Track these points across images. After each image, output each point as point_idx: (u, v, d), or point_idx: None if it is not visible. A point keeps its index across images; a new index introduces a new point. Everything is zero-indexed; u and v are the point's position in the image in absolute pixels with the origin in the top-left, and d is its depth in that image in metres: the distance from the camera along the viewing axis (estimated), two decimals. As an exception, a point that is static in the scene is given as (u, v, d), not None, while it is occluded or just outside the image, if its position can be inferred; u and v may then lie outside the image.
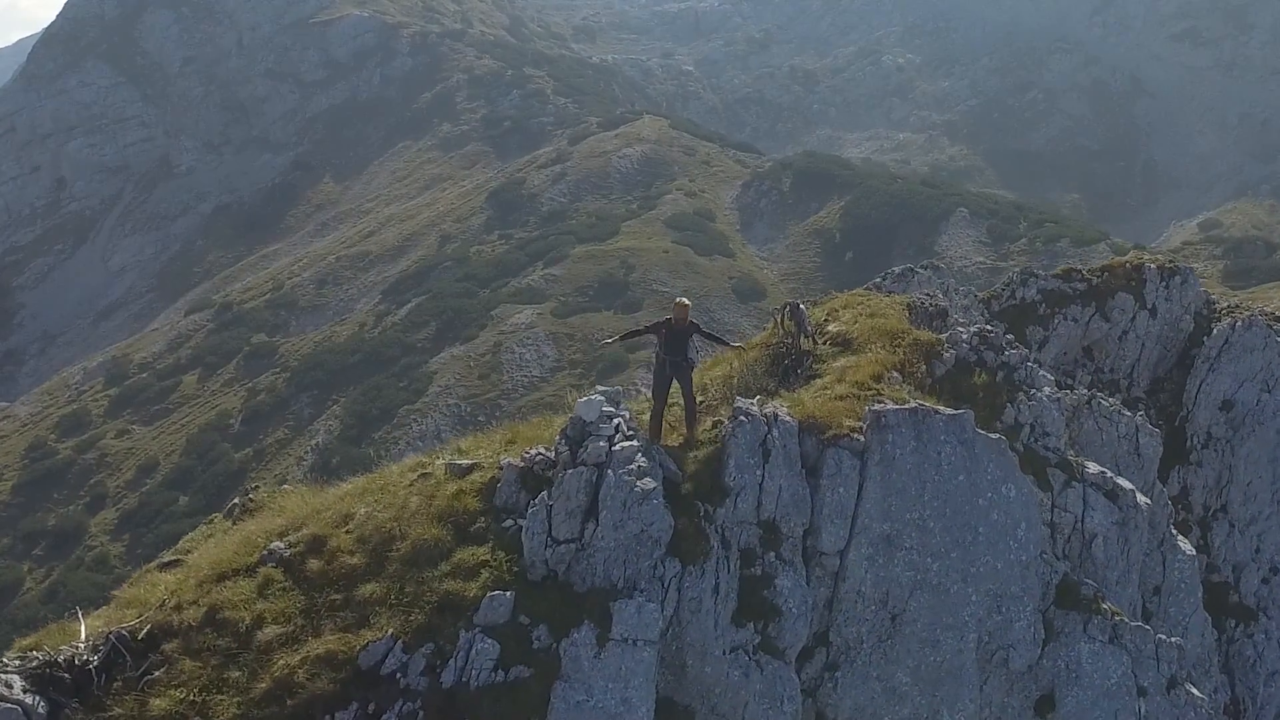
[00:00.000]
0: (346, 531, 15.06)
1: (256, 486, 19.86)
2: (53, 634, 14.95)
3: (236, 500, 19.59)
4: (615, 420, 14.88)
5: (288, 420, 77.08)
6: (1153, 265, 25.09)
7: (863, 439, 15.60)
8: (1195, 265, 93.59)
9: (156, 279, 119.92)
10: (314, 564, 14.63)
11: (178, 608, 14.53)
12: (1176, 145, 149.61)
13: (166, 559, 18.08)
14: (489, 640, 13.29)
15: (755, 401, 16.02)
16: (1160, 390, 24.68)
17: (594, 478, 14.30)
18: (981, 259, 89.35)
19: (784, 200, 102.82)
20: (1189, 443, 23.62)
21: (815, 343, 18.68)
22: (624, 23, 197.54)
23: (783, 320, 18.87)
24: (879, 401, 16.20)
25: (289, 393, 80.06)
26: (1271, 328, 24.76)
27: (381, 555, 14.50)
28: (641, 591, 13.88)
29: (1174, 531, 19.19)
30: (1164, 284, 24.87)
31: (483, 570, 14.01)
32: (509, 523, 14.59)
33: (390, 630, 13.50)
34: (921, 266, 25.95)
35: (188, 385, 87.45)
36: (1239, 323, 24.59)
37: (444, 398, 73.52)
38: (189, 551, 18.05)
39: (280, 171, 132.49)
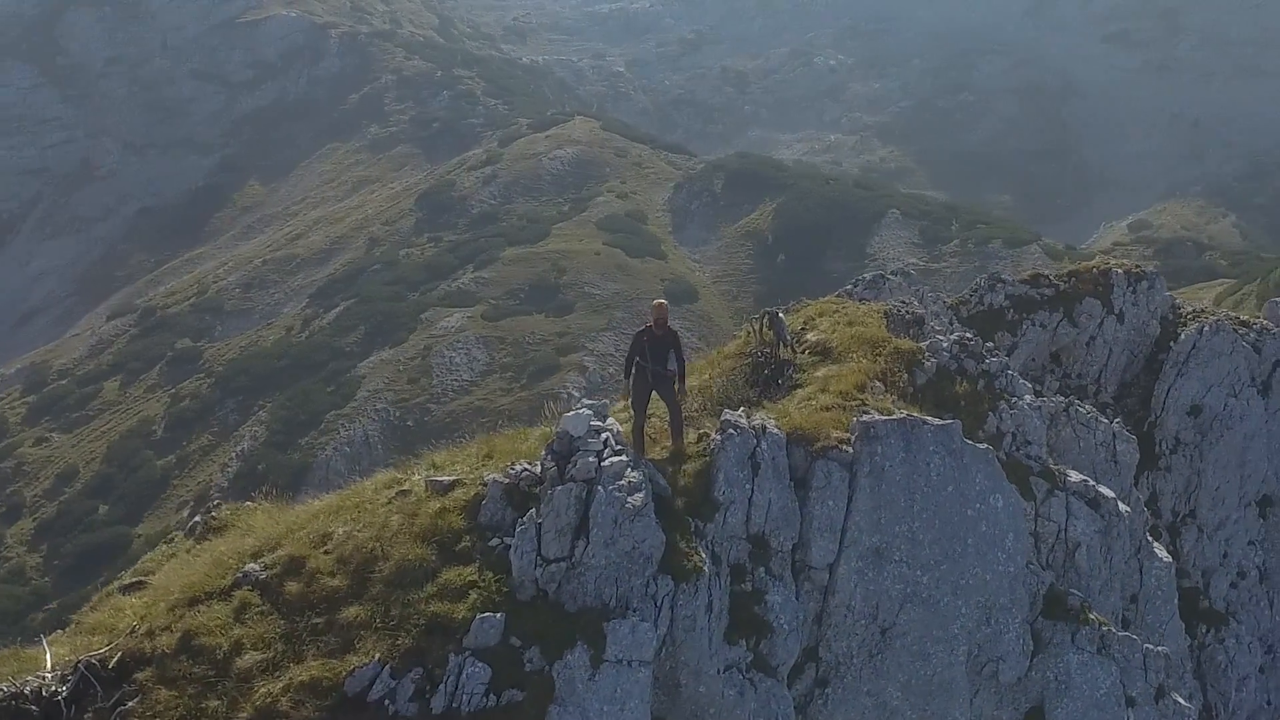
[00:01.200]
0: (325, 552, 14.88)
1: (218, 503, 19.57)
2: (9, 662, 14.66)
3: (198, 518, 19.28)
4: (604, 434, 14.84)
5: (212, 426, 76.29)
6: (1120, 270, 25.59)
7: (851, 450, 15.74)
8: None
9: (77, 283, 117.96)
10: (293, 586, 14.44)
11: (149, 634, 14.27)
12: (1108, 146, 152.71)
13: (128, 581, 17.77)
14: (480, 664, 13.22)
15: (741, 413, 16.10)
16: (1128, 395, 25.18)
17: (584, 494, 14.25)
18: (914, 260, 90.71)
19: (716, 202, 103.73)
20: (1158, 448, 24.11)
21: (795, 352, 18.82)
22: (555, 23, 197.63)
23: (761, 329, 18.97)
24: (865, 412, 16.36)
25: (214, 398, 79.33)
26: (1237, 332, 25.38)
27: (363, 576, 14.35)
28: (635, 610, 13.87)
29: (1150, 538, 19.57)
30: (1131, 289, 25.39)
31: (471, 591, 13.92)
32: (495, 541, 14.50)
33: (377, 655, 13.36)
34: (892, 273, 26.23)
35: (109, 392, 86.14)
36: (1206, 328, 25.17)
37: (373, 402, 73.25)
38: (151, 573, 17.78)
39: (206, 173, 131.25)
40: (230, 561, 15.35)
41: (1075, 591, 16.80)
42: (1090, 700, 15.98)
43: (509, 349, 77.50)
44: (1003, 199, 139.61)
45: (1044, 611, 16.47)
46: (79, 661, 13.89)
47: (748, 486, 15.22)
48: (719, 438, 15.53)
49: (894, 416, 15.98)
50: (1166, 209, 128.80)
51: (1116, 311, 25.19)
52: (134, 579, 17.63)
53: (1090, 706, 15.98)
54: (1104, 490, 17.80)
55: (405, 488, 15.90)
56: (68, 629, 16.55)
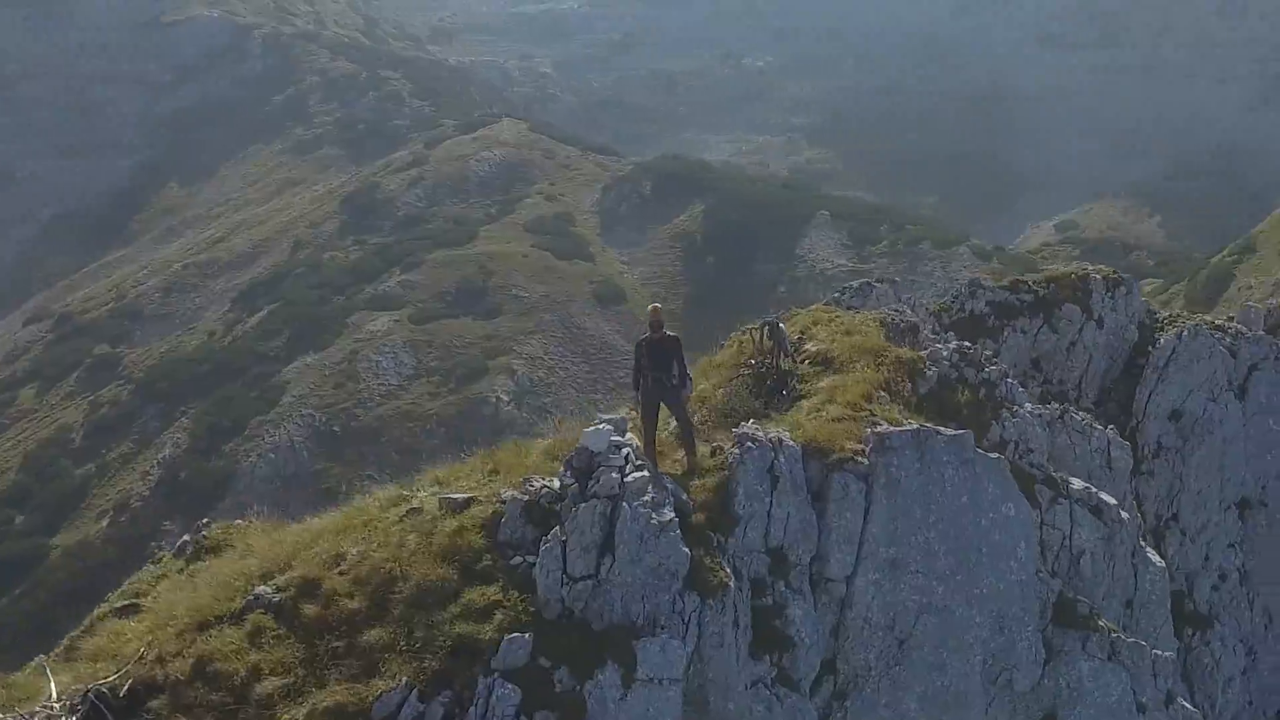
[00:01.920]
0: (340, 573, 14.83)
1: (208, 522, 19.36)
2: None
3: (187, 537, 19.07)
4: (624, 450, 15.00)
5: (133, 434, 75.09)
6: (1098, 276, 26.28)
7: (866, 462, 16.04)
8: (1053, 266, 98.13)
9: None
10: (309, 609, 14.38)
11: (159, 660, 14.15)
12: (1036, 147, 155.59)
13: (119, 604, 17.55)
14: (509, 685, 13.27)
15: (754, 426, 16.34)
16: (1108, 400, 25.84)
17: (608, 510, 14.38)
18: (844, 262, 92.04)
19: (645, 204, 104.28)
20: (1140, 453, 24.74)
21: (795, 362, 19.11)
22: (482, 25, 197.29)
23: (761, 339, 19.24)
24: (876, 423, 16.67)
25: (134, 405, 78.08)
26: (1214, 336, 26.17)
27: (383, 598, 14.34)
28: (663, 628, 14.01)
29: (1144, 543, 20.15)
30: (1109, 294, 26.07)
31: (496, 611, 13.97)
32: (517, 560, 14.57)
33: (403, 678, 13.36)
34: (878, 281, 26.67)
35: (25, 399, 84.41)
36: (1185, 332, 25.91)
37: (298, 408, 72.71)
38: (142, 595, 17.58)
39: (126, 176, 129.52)
40: (237, 584, 15.25)
41: (1083, 599, 17.28)
42: (1103, 707, 16.44)
43: (436, 353, 77.52)
44: (930, 200, 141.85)
45: (1054, 619, 16.91)
46: (88, 690, 13.72)
47: (767, 500, 15.46)
48: (737, 451, 15.74)
49: (908, 428, 16.31)
50: (1093, 210, 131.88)
51: (1096, 317, 25.86)
52: (125, 601, 17.43)
53: (1103, 713, 16.44)
54: (1105, 497, 18.31)
55: (415, 505, 15.90)
56: (58, 655, 16.38)
